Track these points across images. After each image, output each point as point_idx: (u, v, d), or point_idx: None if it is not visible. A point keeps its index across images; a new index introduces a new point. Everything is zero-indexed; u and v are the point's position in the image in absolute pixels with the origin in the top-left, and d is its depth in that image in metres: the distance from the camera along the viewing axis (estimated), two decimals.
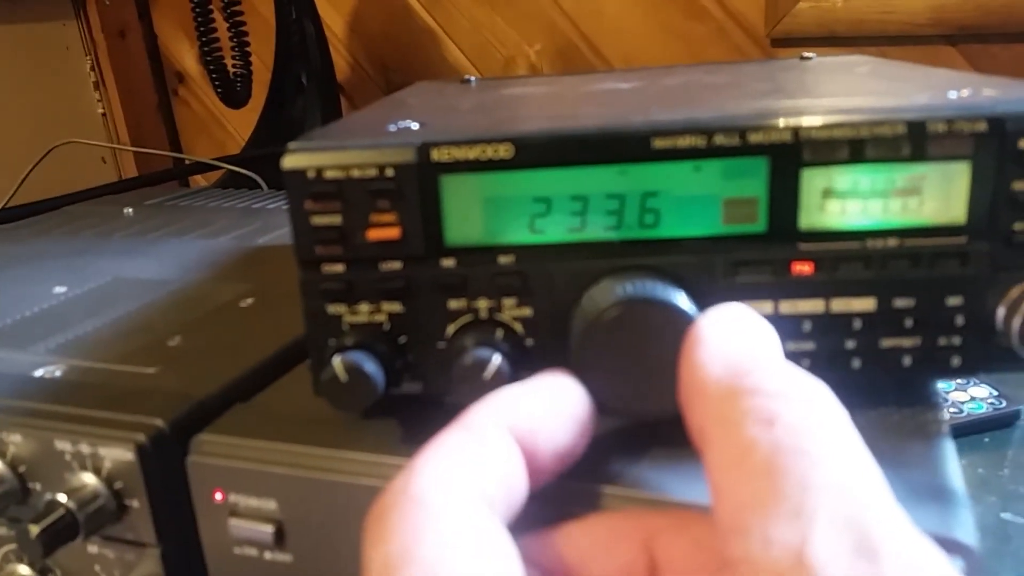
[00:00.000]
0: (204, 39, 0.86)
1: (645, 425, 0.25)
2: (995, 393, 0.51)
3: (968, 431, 0.49)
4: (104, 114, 1.27)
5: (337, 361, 0.24)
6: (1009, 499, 0.44)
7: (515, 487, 0.19)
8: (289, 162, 0.25)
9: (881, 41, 0.90)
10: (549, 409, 0.21)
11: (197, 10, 0.84)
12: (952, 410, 0.49)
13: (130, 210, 0.63)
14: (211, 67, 0.87)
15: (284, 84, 0.98)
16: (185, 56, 1.29)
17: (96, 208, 0.66)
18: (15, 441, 0.30)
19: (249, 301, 0.40)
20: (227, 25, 0.87)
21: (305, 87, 0.97)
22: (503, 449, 0.19)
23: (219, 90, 0.89)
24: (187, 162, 1.19)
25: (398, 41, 1.12)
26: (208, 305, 0.40)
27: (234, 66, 0.90)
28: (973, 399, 0.50)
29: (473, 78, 0.45)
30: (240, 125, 1.26)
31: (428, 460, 0.19)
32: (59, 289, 0.44)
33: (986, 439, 0.49)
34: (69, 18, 1.22)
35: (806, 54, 0.44)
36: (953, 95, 0.25)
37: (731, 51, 0.97)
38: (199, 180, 1.18)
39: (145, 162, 1.26)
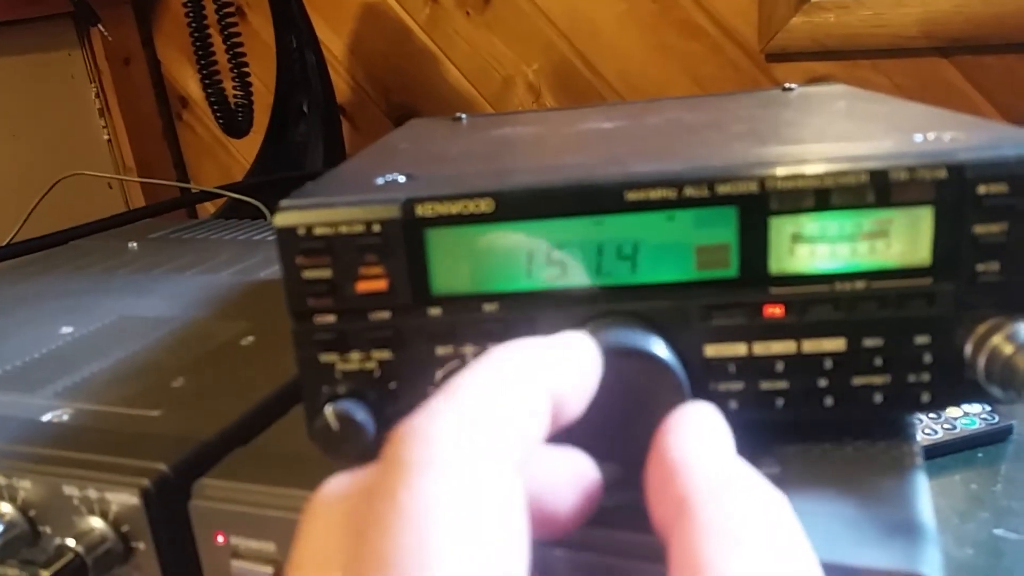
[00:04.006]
0: (205, 71, 0.87)
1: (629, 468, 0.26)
2: (988, 408, 0.51)
3: (961, 446, 0.50)
4: (109, 140, 1.29)
5: (329, 411, 0.25)
6: (1002, 515, 0.44)
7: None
8: (280, 220, 0.26)
9: (874, 54, 0.91)
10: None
11: (197, 44, 0.86)
12: (945, 426, 0.50)
13: (135, 244, 0.64)
14: (212, 98, 0.89)
15: (286, 112, 0.99)
16: (188, 81, 1.31)
17: (101, 243, 0.67)
18: (25, 487, 0.31)
19: (250, 339, 0.41)
20: (228, 56, 0.89)
21: (307, 114, 0.98)
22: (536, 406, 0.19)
23: (221, 121, 0.90)
24: (192, 190, 1.20)
25: (398, 63, 1.14)
26: (210, 344, 0.41)
27: (235, 96, 0.91)
28: (966, 414, 0.51)
29: (464, 116, 0.46)
30: (244, 149, 1.28)
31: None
32: (66, 329, 0.45)
33: (979, 454, 0.50)
34: (74, 47, 1.24)
35: (788, 84, 0.45)
36: (919, 138, 0.26)
37: (726, 67, 0.98)
38: (205, 205, 1.19)
39: (151, 187, 1.28)
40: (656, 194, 0.25)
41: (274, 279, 0.53)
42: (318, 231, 0.26)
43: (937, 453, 0.49)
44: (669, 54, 1.00)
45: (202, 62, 0.87)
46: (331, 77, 1.03)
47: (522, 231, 0.26)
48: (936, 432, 0.50)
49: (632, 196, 0.25)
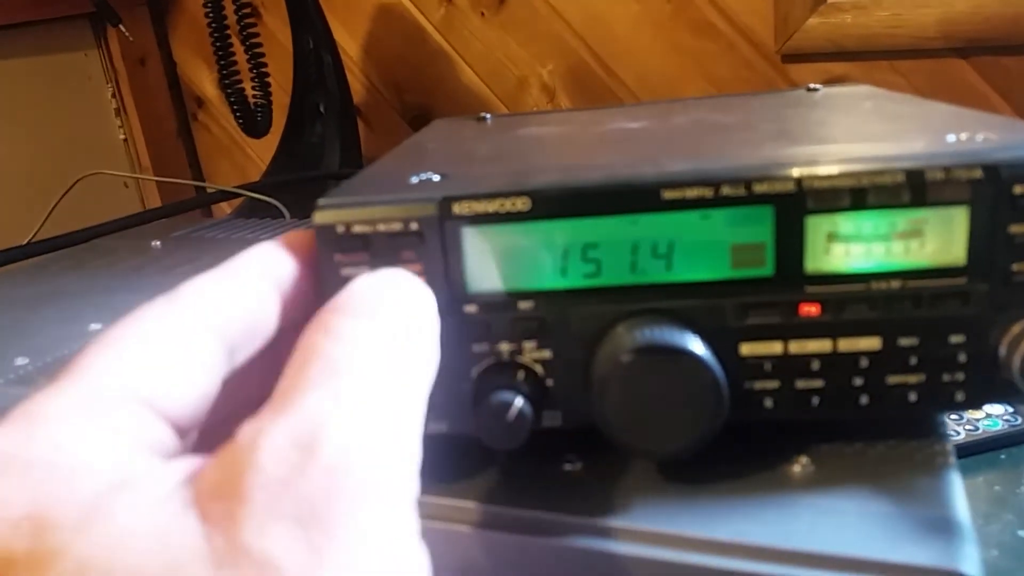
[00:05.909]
0: (225, 72, 0.88)
1: (665, 463, 0.26)
2: (1010, 409, 0.51)
3: (984, 448, 0.49)
4: (126, 140, 1.30)
5: None
6: None
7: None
8: (319, 218, 0.26)
9: (892, 55, 0.91)
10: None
11: (217, 44, 0.86)
12: (968, 427, 0.50)
13: (158, 243, 0.65)
14: (232, 99, 0.89)
15: (303, 112, 1.00)
16: (204, 81, 1.32)
17: (124, 242, 0.68)
18: None
19: None
20: (247, 57, 0.89)
21: (323, 114, 0.99)
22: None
23: (240, 121, 0.91)
24: (209, 190, 1.21)
25: (413, 63, 1.14)
26: None
27: (254, 96, 0.92)
28: (988, 416, 0.51)
29: (488, 116, 0.46)
30: (260, 149, 1.29)
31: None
32: (95, 327, 0.45)
33: (1002, 456, 0.49)
34: (91, 48, 1.25)
35: (812, 85, 0.45)
36: (952, 138, 0.26)
37: (741, 67, 0.98)
38: (222, 206, 1.20)
39: (167, 187, 1.29)
40: (692, 193, 0.25)
41: None
42: (356, 229, 0.26)
43: (960, 454, 0.49)
44: (684, 54, 1.00)
45: (222, 63, 0.87)
46: (347, 78, 1.04)
47: (557, 229, 0.26)
48: (958, 433, 0.49)
49: (668, 195, 0.25)
